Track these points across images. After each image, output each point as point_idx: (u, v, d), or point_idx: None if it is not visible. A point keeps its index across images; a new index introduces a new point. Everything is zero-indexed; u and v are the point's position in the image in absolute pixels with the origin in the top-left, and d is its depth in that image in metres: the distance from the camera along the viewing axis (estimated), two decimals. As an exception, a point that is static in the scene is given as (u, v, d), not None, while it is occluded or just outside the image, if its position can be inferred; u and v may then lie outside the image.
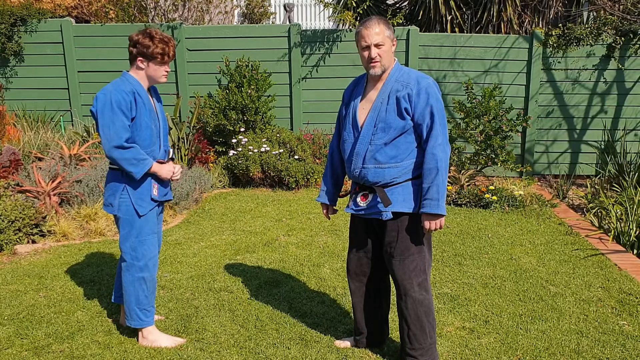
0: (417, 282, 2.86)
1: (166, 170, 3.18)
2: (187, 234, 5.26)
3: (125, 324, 3.45)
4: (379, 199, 2.84)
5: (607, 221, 5.61)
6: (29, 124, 7.45)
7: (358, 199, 2.92)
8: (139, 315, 3.21)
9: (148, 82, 3.13)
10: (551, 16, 8.48)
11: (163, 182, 3.23)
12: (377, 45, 2.74)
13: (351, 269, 3.10)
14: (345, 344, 3.24)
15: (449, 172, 6.55)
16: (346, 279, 4.15)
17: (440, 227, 2.78)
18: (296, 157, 6.85)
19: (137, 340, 3.29)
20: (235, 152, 6.88)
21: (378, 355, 3.14)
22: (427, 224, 2.77)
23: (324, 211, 3.19)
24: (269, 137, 7.04)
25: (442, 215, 2.74)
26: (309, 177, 6.73)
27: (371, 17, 2.80)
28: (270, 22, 12.76)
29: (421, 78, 2.77)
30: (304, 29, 7.61)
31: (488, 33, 8.34)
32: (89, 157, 6.20)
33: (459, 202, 6.19)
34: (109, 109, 2.95)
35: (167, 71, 3.13)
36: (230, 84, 7.23)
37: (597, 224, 5.55)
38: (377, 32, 2.74)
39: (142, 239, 3.15)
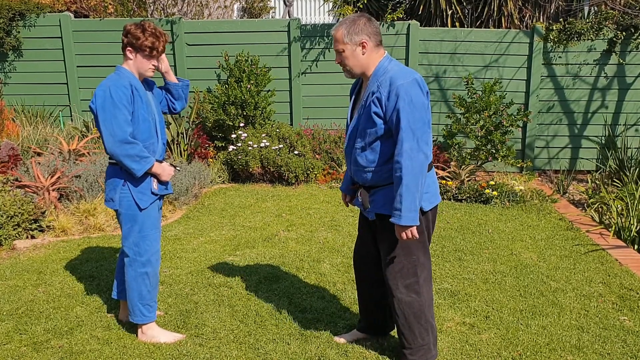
0: (403, 284, 2.80)
1: (167, 172, 3.18)
2: (187, 229, 5.25)
3: (125, 320, 3.44)
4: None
5: (607, 216, 5.59)
6: (28, 119, 7.43)
7: (358, 194, 2.92)
8: (142, 310, 3.20)
9: (138, 75, 3.11)
10: (552, 11, 8.44)
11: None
12: (337, 52, 2.69)
13: (355, 258, 3.13)
14: (341, 340, 3.23)
15: (450, 167, 6.54)
16: (346, 274, 4.16)
17: (413, 237, 2.64)
18: (296, 152, 6.83)
19: (137, 335, 3.28)
20: (235, 148, 6.86)
21: (377, 352, 3.13)
22: (396, 233, 2.68)
23: (343, 199, 3.16)
24: (268, 132, 7.02)
25: (408, 226, 2.60)
26: (308, 172, 6.71)
27: (341, 20, 2.71)
28: (270, 17, 12.73)
29: (396, 78, 2.57)
30: (303, 23, 7.57)
31: (489, 28, 8.31)
32: (88, 152, 6.18)
33: (459, 198, 6.17)
34: (110, 103, 2.93)
35: (154, 65, 3.10)
36: (229, 79, 7.20)
37: (597, 219, 5.54)
38: (336, 38, 2.66)
39: (144, 234, 3.14)
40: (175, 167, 3.42)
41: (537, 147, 7.65)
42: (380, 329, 3.21)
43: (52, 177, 5.35)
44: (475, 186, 6.18)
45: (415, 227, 2.62)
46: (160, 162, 3.20)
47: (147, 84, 3.25)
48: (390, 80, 2.58)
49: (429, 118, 2.61)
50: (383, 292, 3.11)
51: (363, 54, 2.66)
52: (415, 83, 2.57)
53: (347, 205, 3.17)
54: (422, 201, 2.69)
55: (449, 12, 8.29)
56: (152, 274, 3.19)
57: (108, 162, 3.15)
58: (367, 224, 3.00)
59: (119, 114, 2.93)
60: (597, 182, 6.63)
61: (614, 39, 7.22)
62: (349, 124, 2.85)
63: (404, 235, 2.63)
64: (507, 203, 6.03)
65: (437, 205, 2.82)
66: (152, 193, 3.14)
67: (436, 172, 6.57)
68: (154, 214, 3.18)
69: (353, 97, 2.89)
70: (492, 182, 6.26)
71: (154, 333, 3.25)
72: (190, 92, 7.63)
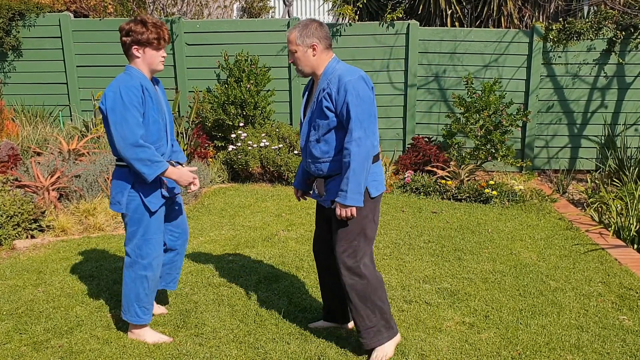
0: (345, 266, 2.96)
1: (185, 178, 3.08)
2: (187, 229, 5.25)
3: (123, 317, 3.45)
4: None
5: (607, 216, 5.59)
6: (28, 119, 7.43)
7: (314, 186, 3.09)
8: (137, 312, 3.19)
9: (149, 72, 3.04)
10: (552, 10, 8.45)
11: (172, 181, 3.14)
12: (290, 52, 2.91)
13: (314, 249, 3.29)
14: (316, 324, 3.40)
15: (449, 167, 6.54)
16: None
17: (352, 216, 2.86)
18: (295, 152, 6.83)
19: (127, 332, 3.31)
20: (235, 147, 6.86)
21: (378, 350, 3.13)
22: (337, 210, 2.87)
23: (295, 194, 3.36)
24: (268, 132, 7.02)
25: (351, 206, 2.82)
26: (308, 172, 6.71)
27: (295, 24, 2.95)
28: (269, 17, 12.73)
29: (344, 75, 2.82)
30: (303, 23, 7.56)
31: (488, 27, 8.31)
32: (87, 152, 6.18)
33: (459, 197, 6.17)
34: (120, 105, 2.85)
35: (163, 57, 3.05)
36: (229, 79, 7.20)
37: (597, 219, 5.54)
38: (289, 40, 2.90)
39: (147, 238, 3.10)
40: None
41: (536, 146, 7.65)
42: (337, 316, 3.33)
43: (51, 177, 5.35)
44: (475, 186, 6.18)
45: (355, 208, 2.84)
46: (176, 164, 3.17)
47: (154, 82, 3.20)
48: (338, 78, 2.83)
49: (375, 111, 2.87)
50: (338, 282, 3.24)
51: (313, 56, 2.89)
52: (361, 79, 2.83)
53: (299, 200, 3.35)
54: (371, 188, 2.93)
55: (449, 12, 8.30)
56: (151, 278, 3.17)
57: (115, 163, 3.08)
58: (323, 216, 3.18)
59: (130, 116, 2.86)
60: (597, 181, 6.64)
61: (614, 38, 7.22)
62: (302, 122, 3.05)
63: (344, 212, 2.84)
64: (507, 203, 6.03)
65: (382, 194, 3.01)
66: (162, 196, 3.11)
67: (436, 172, 6.59)
68: (160, 217, 3.15)
69: (305, 97, 3.10)
70: (491, 182, 6.27)
71: (142, 332, 3.25)
72: (189, 91, 7.64)
